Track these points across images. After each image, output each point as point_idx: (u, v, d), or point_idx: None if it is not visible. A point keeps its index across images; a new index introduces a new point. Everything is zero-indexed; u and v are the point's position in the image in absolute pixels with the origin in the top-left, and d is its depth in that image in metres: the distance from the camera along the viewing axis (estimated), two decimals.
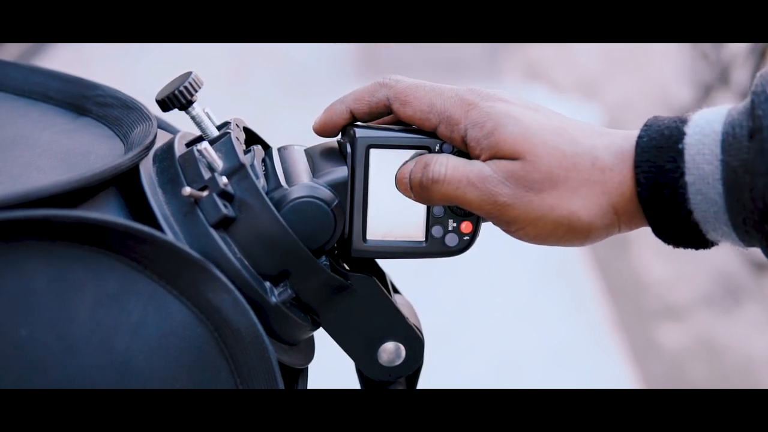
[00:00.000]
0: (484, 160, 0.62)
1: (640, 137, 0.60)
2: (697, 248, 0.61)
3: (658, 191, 0.59)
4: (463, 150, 0.64)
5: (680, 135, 0.59)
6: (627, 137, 0.61)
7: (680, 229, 0.59)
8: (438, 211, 0.65)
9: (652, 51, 4.73)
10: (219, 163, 0.60)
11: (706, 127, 0.58)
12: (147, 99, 0.68)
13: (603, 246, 3.19)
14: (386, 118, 0.66)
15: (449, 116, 0.62)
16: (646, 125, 0.61)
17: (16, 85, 0.70)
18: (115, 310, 0.54)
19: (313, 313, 0.63)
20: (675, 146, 0.59)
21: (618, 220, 0.61)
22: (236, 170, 0.60)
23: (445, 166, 0.62)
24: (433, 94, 0.63)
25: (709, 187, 0.58)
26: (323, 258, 0.64)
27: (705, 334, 2.85)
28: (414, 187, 0.63)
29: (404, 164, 0.64)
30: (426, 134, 0.64)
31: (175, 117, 0.67)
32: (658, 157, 0.59)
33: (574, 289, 2.87)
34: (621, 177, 0.60)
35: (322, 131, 0.66)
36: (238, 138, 0.63)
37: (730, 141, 0.57)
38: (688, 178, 0.58)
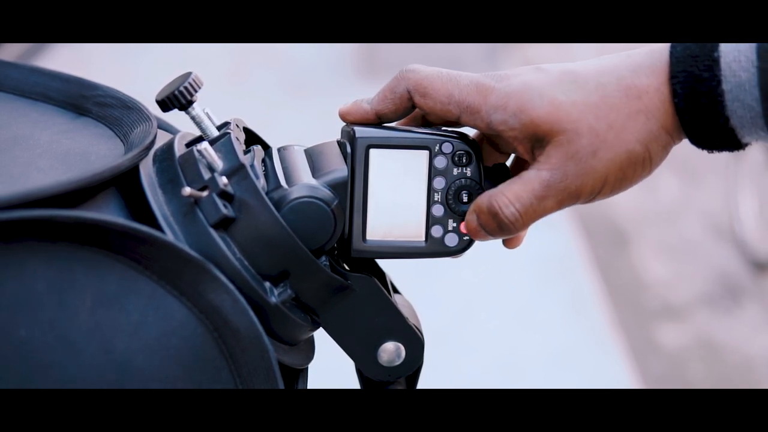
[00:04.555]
0: (524, 150, 0.62)
1: (673, 46, 0.60)
2: (731, 150, 0.61)
3: (695, 101, 0.59)
4: (489, 134, 0.64)
5: (715, 43, 0.59)
6: (652, 52, 0.61)
7: (717, 135, 0.60)
8: (438, 210, 0.65)
9: None
10: (219, 164, 0.60)
11: None
12: (147, 99, 0.68)
13: (603, 246, 3.19)
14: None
15: (468, 105, 0.62)
16: None
17: (16, 85, 0.70)
18: (115, 310, 0.54)
19: (313, 313, 0.63)
20: (710, 54, 0.59)
21: (671, 137, 0.62)
22: (236, 170, 0.60)
23: (512, 204, 0.62)
24: (450, 85, 0.63)
25: (746, 94, 0.58)
26: (323, 258, 0.64)
27: (705, 334, 2.85)
28: (497, 236, 0.63)
29: (466, 218, 0.64)
30: (426, 134, 0.64)
31: (175, 117, 0.67)
32: (693, 66, 0.59)
33: (574, 289, 2.86)
34: (659, 95, 0.60)
35: (343, 120, 0.66)
36: (237, 138, 0.63)
37: (766, 47, 0.58)
38: (725, 86, 0.58)
